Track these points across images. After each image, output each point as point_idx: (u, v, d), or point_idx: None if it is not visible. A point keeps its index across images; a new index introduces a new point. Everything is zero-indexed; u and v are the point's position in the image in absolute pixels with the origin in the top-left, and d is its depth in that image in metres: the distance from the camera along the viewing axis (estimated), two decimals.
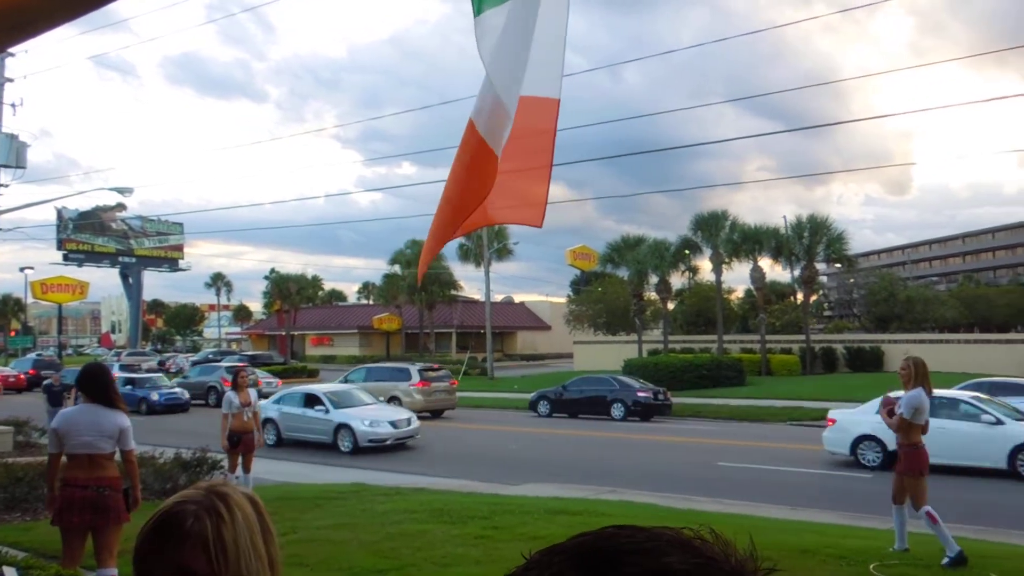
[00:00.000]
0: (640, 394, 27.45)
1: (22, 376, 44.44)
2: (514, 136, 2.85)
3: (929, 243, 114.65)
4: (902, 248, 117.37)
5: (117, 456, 6.23)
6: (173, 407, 30.82)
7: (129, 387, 29.94)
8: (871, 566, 7.89)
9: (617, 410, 27.23)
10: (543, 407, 29.24)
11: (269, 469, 16.41)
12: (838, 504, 12.96)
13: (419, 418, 22.12)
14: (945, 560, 7.95)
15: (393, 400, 26.69)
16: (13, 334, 76.74)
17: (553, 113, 3.09)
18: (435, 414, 28.41)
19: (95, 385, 6.15)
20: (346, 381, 28.68)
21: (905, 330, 51.60)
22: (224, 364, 40.14)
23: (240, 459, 11.85)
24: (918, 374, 8.40)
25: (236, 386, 11.99)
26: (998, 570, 7.75)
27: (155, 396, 30.88)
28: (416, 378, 28.41)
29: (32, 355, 57.08)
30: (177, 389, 32.59)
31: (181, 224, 75.37)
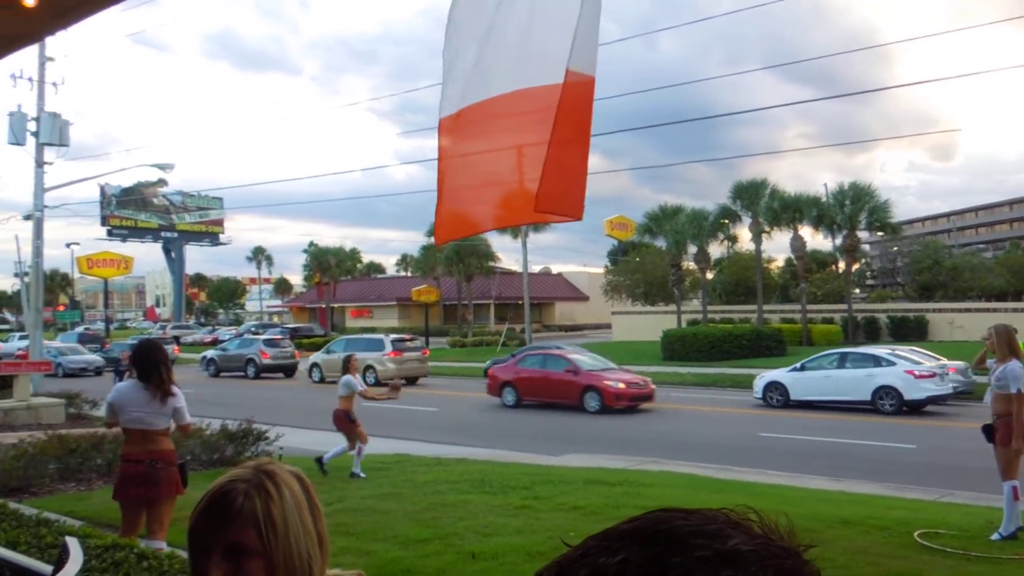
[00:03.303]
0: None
1: None
2: (548, 111, 2.67)
3: (975, 210, 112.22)
4: (947, 215, 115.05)
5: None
6: None
7: None
8: (916, 534, 7.83)
9: None
10: None
11: (315, 440, 16.68)
12: (883, 475, 12.85)
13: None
14: (995, 536, 7.83)
15: (368, 369, 29.67)
16: (61, 308, 78.34)
17: (589, 93, 2.82)
18: (409, 381, 30.78)
19: (144, 363, 6.24)
20: (328, 352, 32.20)
21: (950, 299, 50.77)
22: (263, 337, 40.71)
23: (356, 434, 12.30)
24: (1000, 343, 7.94)
25: (348, 370, 12.62)
26: None
27: None
28: (389, 348, 31.28)
29: (78, 329, 58.31)
30: None
31: (221, 199, 76.29)
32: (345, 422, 12.36)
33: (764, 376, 23.45)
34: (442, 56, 3.05)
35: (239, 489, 1.45)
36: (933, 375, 20.54)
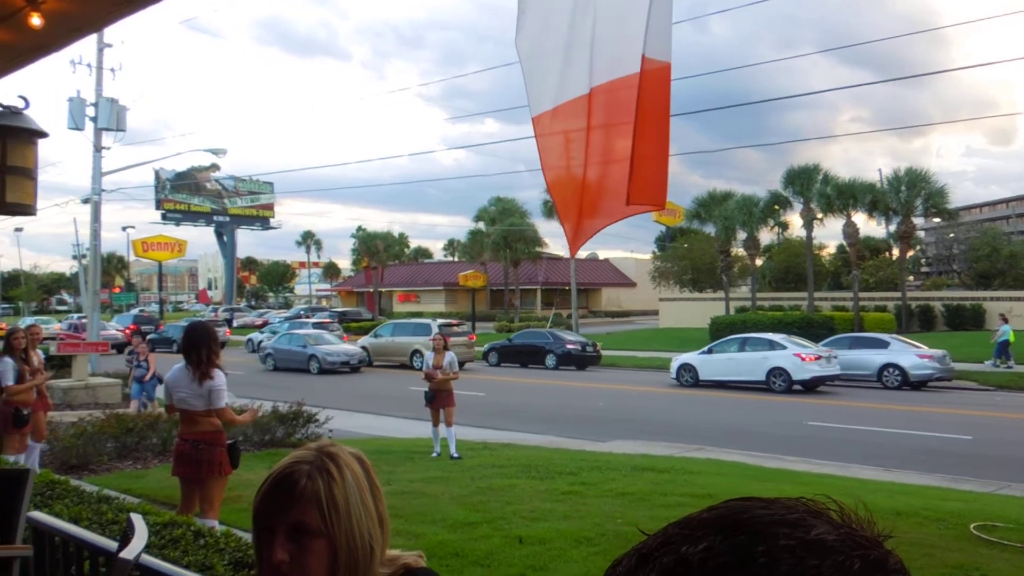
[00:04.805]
0: (569, 346, 31.52)
1: (127, 331, 46.22)
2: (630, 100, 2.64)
3: None
4: (1006, 201, 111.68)
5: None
6: None
7: None
8: (971, 526, 7.68)
9: (550, 360, 31.22)
10: (492, 357, 33.13)
11: (364, 424, 16.91)
12: (935, 466, 12.62)
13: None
14: None
15: (415, 353, 30.23)
16: (117, 291, 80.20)
17: (666, 79, 2.80)
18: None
19: (187, 345, 6.37)
20: (376, 336, 33.40)
21: (1009, 287, 49.40)
22: (312, 321, 41.23)
23: (441, 414, 12.42)
24: None
25: (433, 348, 12.79)
26: None
27: None
28: (436, 333, 30.16)
29: (134, 311, 59.62)
30: None
31: (271, 183, 77.15)
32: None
33: (678, 358, 25.51)
34: (515, 45, 3.02)
35: (302, 471, 1.48)
36: (819, 358, 22.65)
